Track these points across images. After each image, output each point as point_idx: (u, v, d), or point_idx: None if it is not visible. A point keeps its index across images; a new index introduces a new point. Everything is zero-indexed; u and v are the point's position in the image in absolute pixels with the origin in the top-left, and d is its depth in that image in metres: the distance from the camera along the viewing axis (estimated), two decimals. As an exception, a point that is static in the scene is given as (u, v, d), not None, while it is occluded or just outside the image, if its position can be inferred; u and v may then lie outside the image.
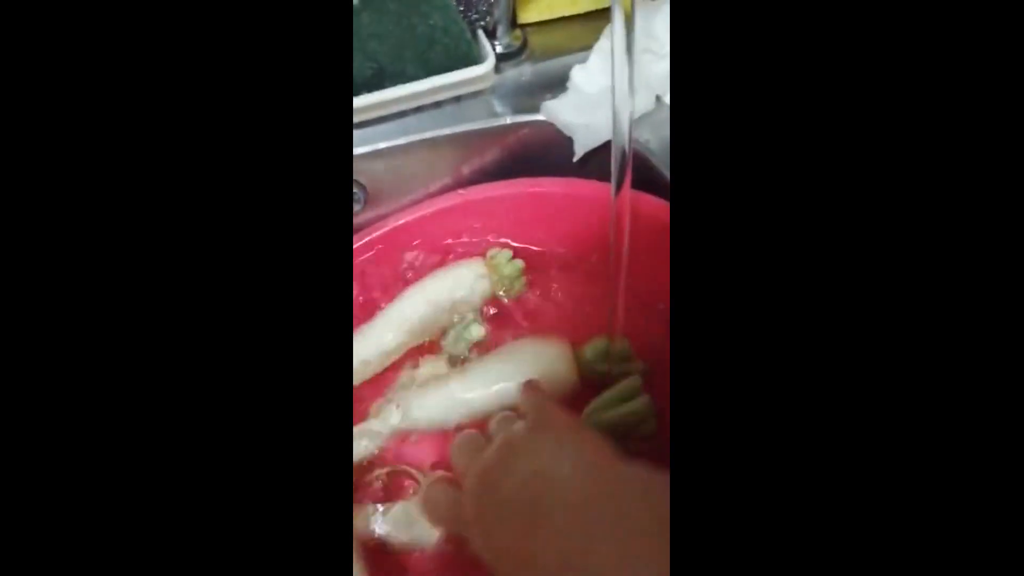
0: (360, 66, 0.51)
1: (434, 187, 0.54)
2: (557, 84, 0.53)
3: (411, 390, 0.43)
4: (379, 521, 0.39)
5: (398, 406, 0.42)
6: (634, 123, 0.31)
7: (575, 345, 0.43)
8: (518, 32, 0.57)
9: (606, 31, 0.50)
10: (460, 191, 0.49)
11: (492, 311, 0.48)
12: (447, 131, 0.51)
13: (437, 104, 0.53)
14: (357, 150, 0.51)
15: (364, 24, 0.50)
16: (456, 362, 0.46)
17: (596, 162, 0.49)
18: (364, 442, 0.42)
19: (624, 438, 0.37)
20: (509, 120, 0.52)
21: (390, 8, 0.50)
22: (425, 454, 0.43)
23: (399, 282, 0.49)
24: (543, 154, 0.52)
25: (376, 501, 0.41)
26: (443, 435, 0.43)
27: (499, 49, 0.55)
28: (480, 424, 0.41)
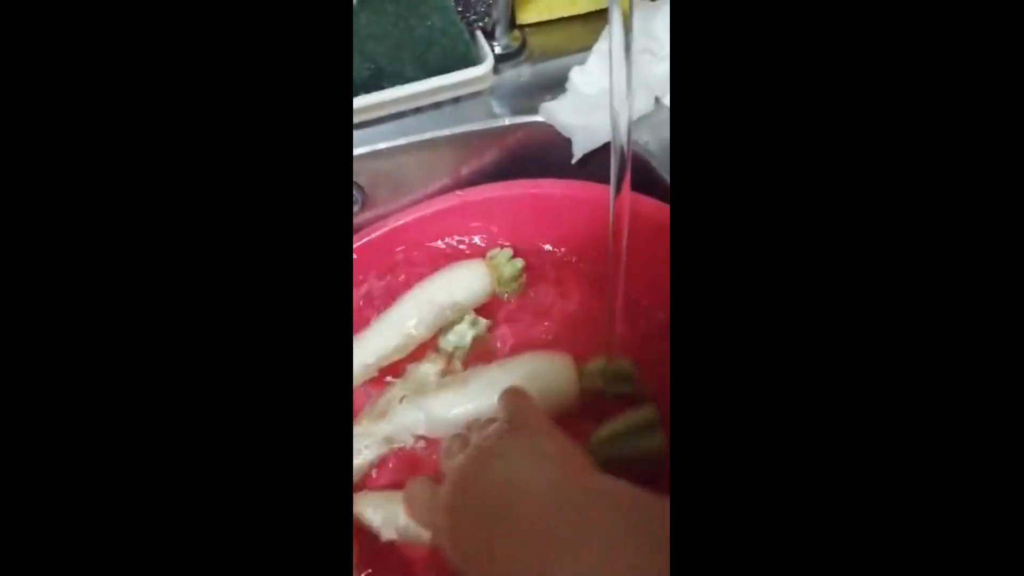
0: (358, 67, 0.51)
1: (432, 188, 0.54)
2: (556, 85, 0.52)
3: (408, 401, 0.42)
4: (372, 512, 0.39)
5: (402, 400, 0.42)
6: (633, 125, 0.31)
7: (578, 359, 0.42)
8: (517, 33, 0.57)
9: (605, 32, 0.50)
10: (458, 192, 0.49)
11: (492, 310, 0.48)
12: (445, 132, 0.51)
13: (436, 105, 0.53)
14: (356, 151, 0.50)
15: (362, 25, 0.50)
16: (456, 361, 0.46)
17: (596, 163, 0.49)
18: (363, 446, 0.42)
19: (632, 470, 0.37)
20: (508, 121, 0.52)
21: (388, 9, 0.50)
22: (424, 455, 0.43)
23: (397, 283, 0.49)
24: (542, 155, 0.52)
25: (372, 488, 0.41)
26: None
27: (498, 50, 0.55)
28: None
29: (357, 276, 0.48)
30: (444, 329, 0.46)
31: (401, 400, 0.43)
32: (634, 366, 0.41)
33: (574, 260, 0.49)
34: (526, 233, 0.50)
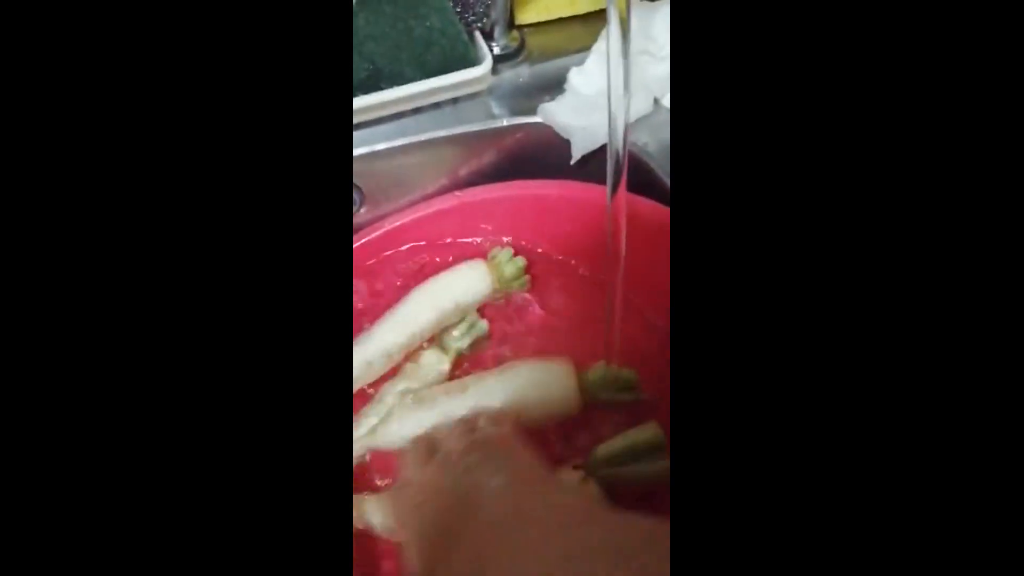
0: (357, 68, 0.51)
1: (431, 189, 0.54)
2: (555, 86, 0.52)
3: (405, 406, 0.42)
4: (371, 514, 0.39)
5: (406, 394, 0.42)
6: (631, 126, 0.31)
7: (578, 363, 0.42)
8: (515, 33, 0.56)
9: (604, 33, 0.50)
10: (457, 193, 0.49)
11: (493, 311, 0.48)
12: (444, 133, 0.51)
13: (434, 106, 0.53)
14: (354, 152, 0.50)
15: (361, 26, 0.50)
16: (456, 360, 0.46)
17: (595, 164, 0.49)
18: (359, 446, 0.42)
19: (633, 491, 0.36)
20: (506, 122, 0.52)
21: (387, 10, 0.50)
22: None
23: (396, 283, 0.49)
24: (541, 156, 0.52)
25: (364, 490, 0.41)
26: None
27: (496, 51, 0.55)
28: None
29: (356, 276, 0.48)
30: (445, 330, 0.46)
31: (402, 396, 0.43)
32: (634, 373, 0.41)
33: (573, 261, 0.49)
34: (525, 234, 0.50)
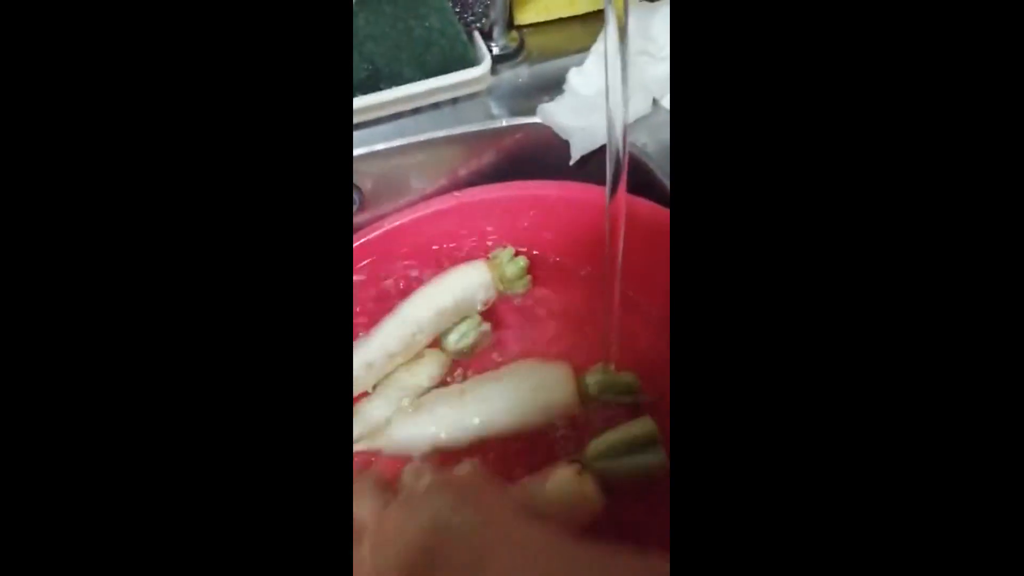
0: (356, 68, 0.51)
1: (430, 189, 0.54)
2: (554, 86, 0.52)
3: (403, 412, 0.42)
4: None
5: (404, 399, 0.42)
6: (630, 126, 0.31)
7: (578, 365, 0.42)
8: (515, 34, 0.57)
9: (603, 33, 0.50)
10: (456, 193, 0.49)
11: (493, 312, 0.48)
12: (443, 133, 0.51)
13: (434, 106, 0.53)
14: (354, 152, 0.50)
15: (360, 26, 0.50)
16: (458, 361, 0.46)
17: (594, 165, 0.49)
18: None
19: (629, 484, 0.36)
20: (505, 122, 0.52)
21: (386, 10, 0.50)
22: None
23: (395, 284, 0.49)
24: (540, 156, 0.52)
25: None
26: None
27: (496, 51, 0.55)
28: (470, 451, 0.40)
29: (355, 276, 0.48)
30: (446, 331, 0.46)
31: (400, 401, 0.43)
32: (635, 376, 0.41)
33: (572, 262, 0.49)
34: (524, 234, 0.50)
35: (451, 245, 0.50)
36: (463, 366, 0.47)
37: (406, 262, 0.50)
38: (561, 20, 0.58)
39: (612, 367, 0.41)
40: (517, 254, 0.48)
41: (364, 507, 0.30)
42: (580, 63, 0.51)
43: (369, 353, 0.44)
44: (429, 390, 0.44)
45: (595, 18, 0.58)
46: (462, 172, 0.54)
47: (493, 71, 0.53)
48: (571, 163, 0.49)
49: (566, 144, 0.50)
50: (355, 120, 0.51)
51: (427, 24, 0.51)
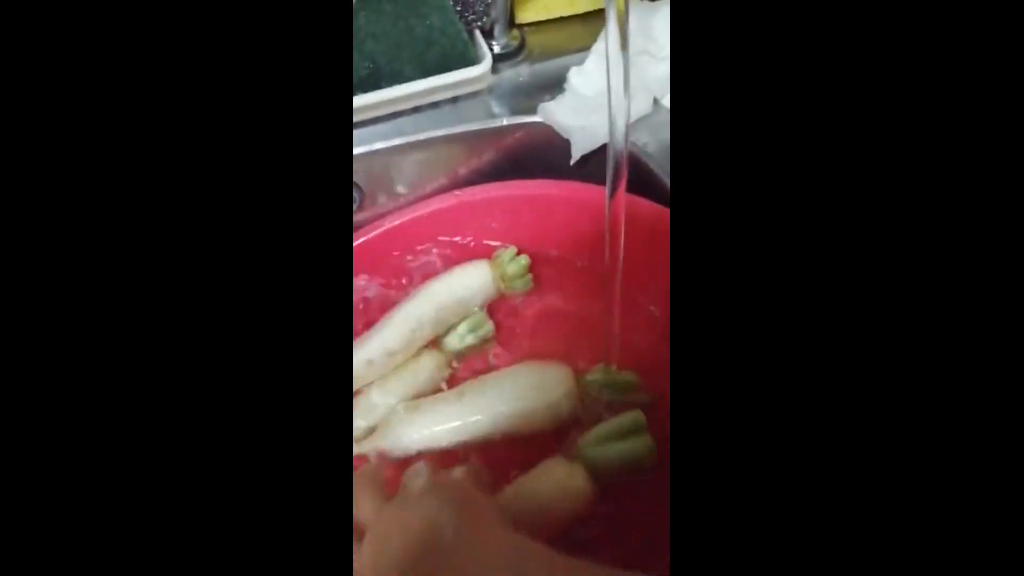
0: (357, 66, 0.51)
1: (430, 188, 0.54)
2: (555, 85, 0.52)
3: (403, 414, 0.42)
4: None
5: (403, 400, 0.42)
6: (631, 126, 0.31)
7: (579, 365, 0.42)
8: (516, 32, 0.56)
9: (604, 32, 0.50)
10: (456, 192, 0.49)
11: (494, 311, 0.48)
12: (444, 132, 0.51)
13: (434, 105, 0.53)
14: (354, 150, 0.50)
15: (361, 24, 0.50)
16: (459, 359, 0.46)
17: (594, 164, 0.49)
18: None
19: (617, 474, 0.37)
20: (506, 121, 0.52)
21: (387, 8, 0.50)
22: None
23: (395, 282, 0.49)
24: (540, 156, 0.52)
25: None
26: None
27: (496, 49, 0.55)
28: (470, 451, 0.40)
29: (356, 275, 0.48)
30: (449, 329, 0.46)
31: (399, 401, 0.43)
32: (635, 375, 0.41)
33: (573, 262, 0.49)
34: (524, 233, 0.50)
35: (452, 244, 0.50)
36: (464, 365, 0.47)
37: (406, 261, 0.50)
38: (562, 19, 0.58)
39: (613, 367, 0.41)
40: (518, 253, 0.48)
41: (363, 507, 0.31)
42: (581, 62, 0.51)
43: (369, 350, 0.44)
44: (429, 389, 0.44)
45: (596, 17, 0.58)
46: (462, 171, 0.54)
47: (494, 70, 0.53)
48: (572, 162, 0.49)
49: (567, 143, 0.49)
50: (356, 118, 0.51)
51: (428, 22, 0.51)
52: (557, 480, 0.36)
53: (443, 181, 0.54)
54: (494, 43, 0.55)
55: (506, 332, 0.48)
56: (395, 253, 0.49)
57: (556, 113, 0.50)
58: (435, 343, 0.47)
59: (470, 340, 0.46)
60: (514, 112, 0.52)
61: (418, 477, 0.32)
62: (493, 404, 0.40)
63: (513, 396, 0.40)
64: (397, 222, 0.48)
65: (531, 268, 0.48)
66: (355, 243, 0.47)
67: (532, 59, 0.56)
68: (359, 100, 0.49)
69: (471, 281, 0.46)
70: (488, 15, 0.54)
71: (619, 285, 0.38)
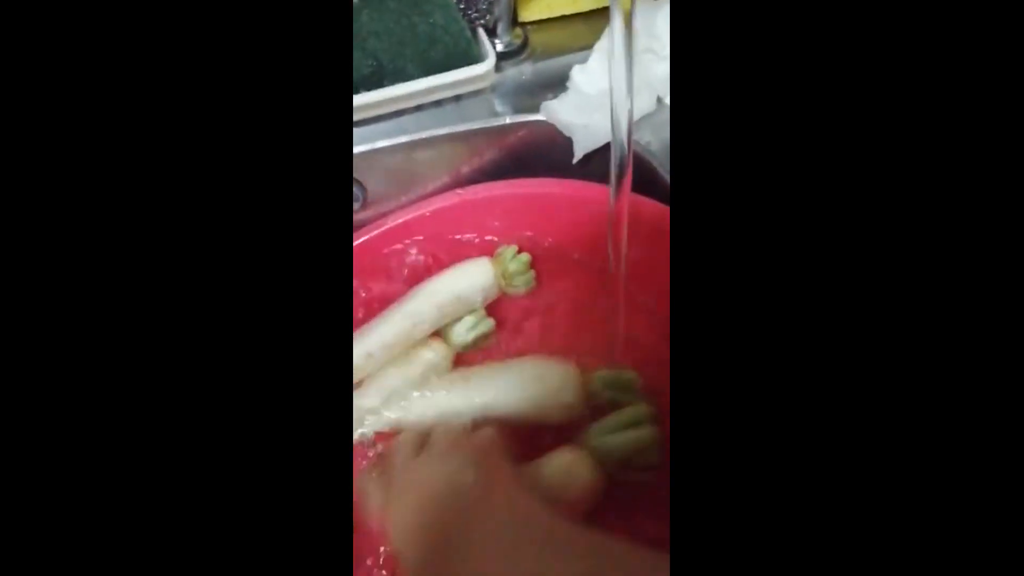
0: (360, 64, 0.51)
1: (433, 186, 0.54)
2: (558, 83, 0.52)
3: (410, 391, 0.43)
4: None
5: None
6: (634, 125, 0.31)
7: (583, 363, 0.42)
8: (519, 31, 0.56)
9: (607, 31, 0.50)
10: (459, 191, 0.49)
11: (495, 309, 0.48)
12: (446, 130, 0.51)
13: (437, 103, 0.53)
14: (356, 149, 0.50)
15: (364, 22, 0.50)
16: (459, 356, 0.46)
17: (597, 163, 0.49)
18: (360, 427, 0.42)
19: (625, 466, 0.37)
20: (509, 120, 0.52)
21: (390, 6, 0.50)
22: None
23: (396, 281, 0.49)
24: (543, 154, 0.52)
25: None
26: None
27: (499, 48, 0.55)
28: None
29: (356, 274, 0.48)
30: (449, 325, 0.46)
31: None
32: (637, 374, 0.41)
33: (576, 260, 0.49)
34: (526, 232, 0.50)
35: (454, 242, 0.50)
36: (466, 361, 0.47)
37: (409, 259, 0.50)
38: (565, 17, 0.58)
39: (616, 365, 0.41)
40: (520, 251, 0.48)
41: (398, 458, 0.33)
42: (584, 60, 0.51)
43: (369, 343, 0.44)
44: (429, 380, 0.45)
45: (599, 15, 0.58)
46: (465, 169, 0.54)
47: (497, 68, 0.53)
48: (574, 161, 0.49)
49: (569, 142, 0.49)
50: (358, 117, 0.51)
51: (431, 21, 0.51)
52: (564, 467, 0.36)
53: (445, 179, 0.54)
54: (497, 41, 0.55)
55: (509, 329, 0.48)
56: (397, 251, 0.49)
57: (559, 111, 0.50)
58: (437, 336, 0.47)
59: (470, 337, 0.46)
60: (517, 110, 0.52)
61: (448, 432, 0.34)
62: (498, 393, 0.41)
63: (518, 387, 0.41)
64: (400, 220, 0.48)
65: (534, 265, 0.48)
66: (358, 241, 0.48)
67: (535, 57, 0.56)
68: (362, 98, 0.49)
69: (473, 279, 0.46)
70: (491, 13, 0.54)
71: (622, 283, 0.38)
